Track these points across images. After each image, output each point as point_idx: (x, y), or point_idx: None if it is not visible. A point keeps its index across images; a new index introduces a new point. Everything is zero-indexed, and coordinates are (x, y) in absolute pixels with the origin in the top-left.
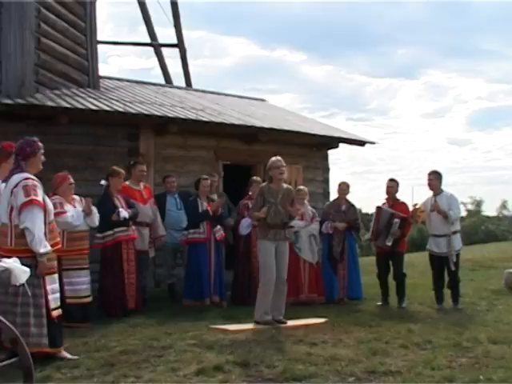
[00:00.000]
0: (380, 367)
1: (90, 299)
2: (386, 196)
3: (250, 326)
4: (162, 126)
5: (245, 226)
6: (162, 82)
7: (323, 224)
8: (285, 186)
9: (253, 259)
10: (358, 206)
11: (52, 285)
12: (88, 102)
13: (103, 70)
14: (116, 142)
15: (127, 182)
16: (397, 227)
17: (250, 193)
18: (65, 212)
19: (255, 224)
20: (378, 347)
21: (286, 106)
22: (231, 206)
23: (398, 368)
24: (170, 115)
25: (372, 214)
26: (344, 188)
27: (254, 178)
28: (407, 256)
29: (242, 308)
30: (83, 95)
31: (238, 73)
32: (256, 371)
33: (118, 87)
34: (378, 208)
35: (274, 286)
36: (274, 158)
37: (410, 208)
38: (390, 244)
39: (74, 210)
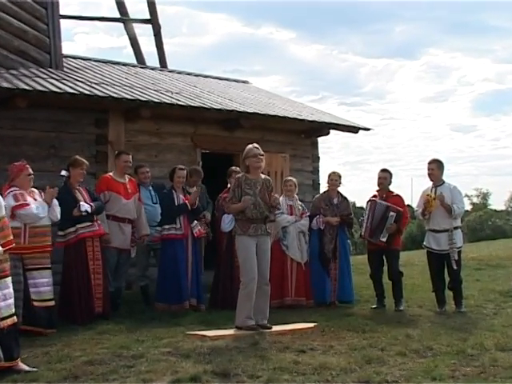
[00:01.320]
0: (375, 377)
1: (53, 303)
2: (377, 188)
3: (230, 331)
4: (133, 110)
5: (227, 221)
6: (134, 62)
7: (313, 219)
8: (263, 176)
9: (235, 258)
10: (350, 199)
11: (3, 290)
12: (49, 83)
13: (68, 48)
14: (82, 128)
15: (111, 174)
16: (392, 221)
17: (229, 185)
18: (27, 204)
19: (235, 217)
20: (373, 355)
21: (272, 89)
22: (209, 200)
23: (394, 378)
24: (142, 98)
25: (365, 207)
26: (335, 179)
27: (233, 168)
28: (405, 254)
29: (223, 312)
30: (44, 76)
31: (218, 52)
32: (237, 382)
33: (84, 67)
34: (371, 201)
35: (256, 287)
36: (250, 146)
37: (410, 201)
38: (384, 240)
39: (37, 202)
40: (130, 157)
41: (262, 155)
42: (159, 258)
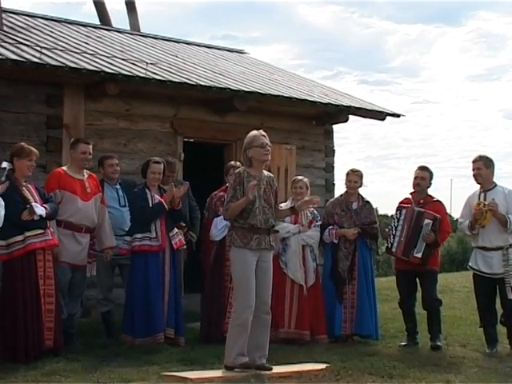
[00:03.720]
0: None
1: None
2: (412, 191)
3: (218, 373)
4: (95, 85)
5: (219, 227)
6: (97, 22)
7: (325, 230)
8: (265, 172)
9: (225, 276)
10: (373, 204)
11: None
12: None
13: (8, 1)
14: (28, 106)
15: (64, 168)
16: (428, 230)
17: (228, 184)
18: None
19: (233, 224)
20: None
21: (275, 62)
22: (195, 204)
23: None
24: (107, 70)
25: (393, 216)
26: (355, 179)
27: (232, 163)
28: (443, 277)
29: (208, 347)
30: None
31: (206, 14)
32: None
33: (32, 27)
34: (407, 208)
35: (252, 316)
36: (254, 132)
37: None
38: (419, 256)
39: None
40: (90, 146)
41: (270, 146)
42: (127, 277)
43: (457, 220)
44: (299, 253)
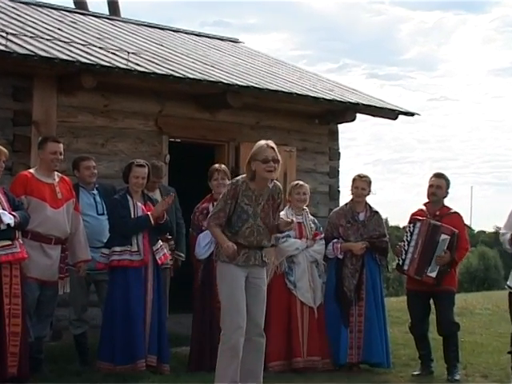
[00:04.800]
0: None
1: None
2: (426, 201)
3: None
4: (69, 77)
5: (203, 243)
6: (71, 5)
7: (329, 244)
8: (269, 186)
9: (216, 297)
10: (382, 214)
11: None
12: None
13: None
14: None
15: (32, 170)
16: (445, 247)
17: (213, 191)
18: None
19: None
20: None
21: (273, 53)
22: (179, 213)
23: None
24: (83, 60)
25: (405, 229)
26: (362, 186)
27: (216, 166)
28: (462, 297)
29: (196, 375)
30: None
31: None
32: None
33: None
34: (417, 220)
35: (243, 339)
36: (262, 143)
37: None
38: (433, 275)
39: None
40: (61, 145)
41: (278, 161)
42: (105, 295)
43: (477, 233)
44: (308, 270)
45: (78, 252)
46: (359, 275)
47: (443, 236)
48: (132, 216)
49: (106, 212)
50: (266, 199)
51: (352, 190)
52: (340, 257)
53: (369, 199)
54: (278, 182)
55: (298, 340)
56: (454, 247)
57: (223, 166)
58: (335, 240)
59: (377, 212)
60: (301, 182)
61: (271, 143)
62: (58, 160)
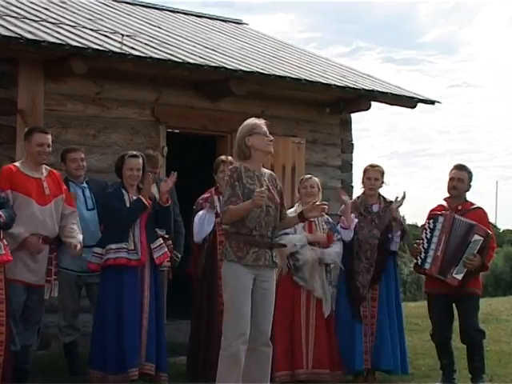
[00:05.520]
0: None
1: None
2: (447, 195)
3: None
4: (58, 61)
5: (205, 220)
6: None
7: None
8: (265, 170)
9: (217, 297)
10: (400, 211)
11: None
12: None
13: None
14: None
15: (17, 164)
16: (476, 250)
17: (218, 183)
18: None
19: (227, 230)
20: None
21: (280, 35)
22: (177, 209)
23: None
24: (73, 43)
25: (424, 227)
26: (376, 175)
27: (223, 157)
28: (487, 302)
29: None
30: None
31: None
32: None
33: None
34: (438, 215)
35: (246, 347)
36: (253, 120)
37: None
38: (459, 277)
39: None
40: (49, 136)
41: (271, 139)
42: (96, 298)
43: (503, 232)
44: (317, 267)
45: (69, 236)
46: (374, 270)
47: (476, 237)
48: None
49: (96, 207)
50: (268, 181)
51: (363, 181)
52: (353, 225)
53: (382, 191)
54: (271, 171)
55: (300, 347)
56: (485, 249)
57: (230, 157)
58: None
59: (392, 202)
60: (308, 175)
61: (263, 120)
62: (45, 153)
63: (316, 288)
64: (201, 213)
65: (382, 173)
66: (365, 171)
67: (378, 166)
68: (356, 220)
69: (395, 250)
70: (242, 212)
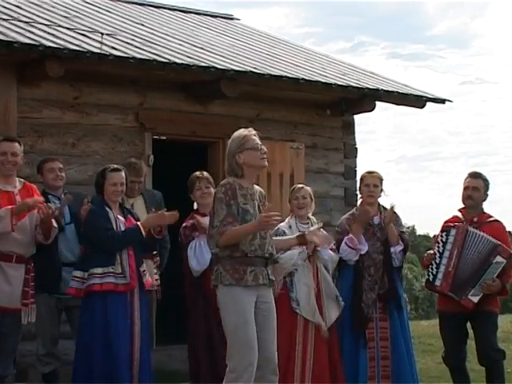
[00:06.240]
0: None
1: None
2: (461, 206)
3: None
4: (32, 64)
5: (203, 248)
6: None
7: (341, 244)
8: (255, 187)
9: (212, 322)
10: (409, 221)
11: None
12: None
13: None
14: None
15: None
16: (497, 272)
17: (195, 205)
18: None
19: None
20: None
21: (275, 31)
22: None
23: None
24: (47, 43)
25: (437, 238)
26: (375, 182)
27: (197, 173)
28: (506, 319)
29: None
30: None
31: None
32: None
33: None
34: (458, 227)
35: (254, 376)
36: (242, 132)
37: None
38: (475, 300)
39: None
40: (15, 145)
41: (264, 151)
42: (79, 324)
43: None
44: (312, 284)
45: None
46: (379, 287)
47: (498, 258)
48: (115, 228)
49: (73, 222)
50: (259, 200)
51: (361, 189)
52: (361, 249)
53: (383, 201)
54: (259, 187)
55: (292, 365)
56: (506, 271)
57: (205, 172)
58: (346, 236)
59: (394, 213)
60: (299, 185)
61: (252, 130)
62: (9, 162)
63: (308, 312)
64: (193, 243)
65: (381, 179)
66: (362, 178)
67: (375, 171)
68: (366, 247)
69: (399, 266)
70: (243, 235)
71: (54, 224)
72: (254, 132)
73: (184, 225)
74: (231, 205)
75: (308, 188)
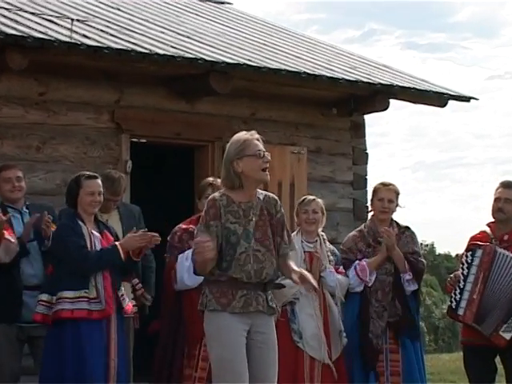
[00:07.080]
0: None
1: None
2: (491, 220)
3: None
4: None
5: (188, 268)
6: None
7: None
8: (261, 193)
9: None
10: (427, 238)
11: None
12: None
13: None
14: None
15: None
16: None
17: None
18: None
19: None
20: None
21: (273, 17)
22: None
23: None
24: (8, 31)
25: (462, 259)
26: (390, 196)
27: (210, 179)
28: None
29: None
30: None
31: None
32: None
33: None
34: (476, 244)
35: None
36: (243, 135)
37: None
38: (507, 338)
39: None
40: None
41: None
42: (42, 357)
43: None
44: (316, 314)
45: None
46: (390, 315)
47: None
48: (89, 245)
49: (36, 239)
50: (258, 214)
51: (374, 203)
52: (370, 281)
53: (398, 216)
54: (271, 194)
55: None
56: None
57: (218, 180)
58: (357, 262)
59: (408, 227)
60: (310, 197)
61: (256, 134)
62: None
63: (313, 348)
64: (187, 252)
65: (398, 193)
66: (375, 191)
67: (391, 184)
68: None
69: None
70: (202, 263)
71: (10, 238)
72: (257, 136)
73: (184, 226)
74: (210, 226)
75: (320, 201)
